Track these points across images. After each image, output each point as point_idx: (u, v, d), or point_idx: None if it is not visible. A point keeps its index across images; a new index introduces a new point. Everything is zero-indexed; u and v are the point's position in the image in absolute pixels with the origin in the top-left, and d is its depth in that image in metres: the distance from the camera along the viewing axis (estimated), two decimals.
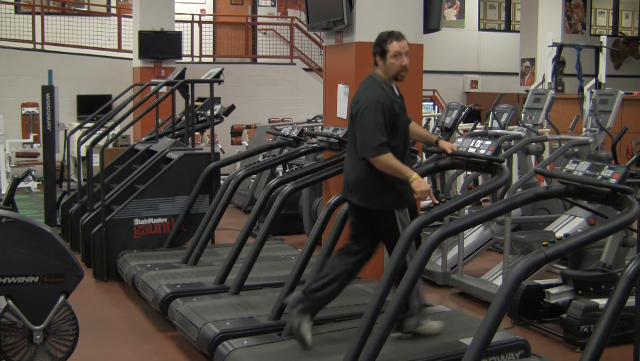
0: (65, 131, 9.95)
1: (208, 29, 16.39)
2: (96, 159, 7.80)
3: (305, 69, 16.18)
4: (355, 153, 4.23)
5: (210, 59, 15.88)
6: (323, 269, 4.34)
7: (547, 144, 8.68)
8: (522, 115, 7.70)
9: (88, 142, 7.41)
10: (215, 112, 8.06)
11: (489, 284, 5.97)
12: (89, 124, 9.26)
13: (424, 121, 10.09)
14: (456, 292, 6.27)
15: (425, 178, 4.33)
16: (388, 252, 4.36)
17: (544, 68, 10.59)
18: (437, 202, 4.03)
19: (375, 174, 4.16)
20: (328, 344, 4.27)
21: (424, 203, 6.36)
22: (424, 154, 5.37)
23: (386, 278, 3.79)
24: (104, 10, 15.95)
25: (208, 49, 16.16)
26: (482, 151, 4.26)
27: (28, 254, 3.70)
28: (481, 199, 7.10)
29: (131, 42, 13.96)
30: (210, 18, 16.86)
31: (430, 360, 4.03)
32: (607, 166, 3.55)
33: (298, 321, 4.15)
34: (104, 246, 6.50)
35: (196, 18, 15.70)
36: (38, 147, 11.54)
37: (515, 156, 7.84)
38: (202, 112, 8.63)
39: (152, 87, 8.13)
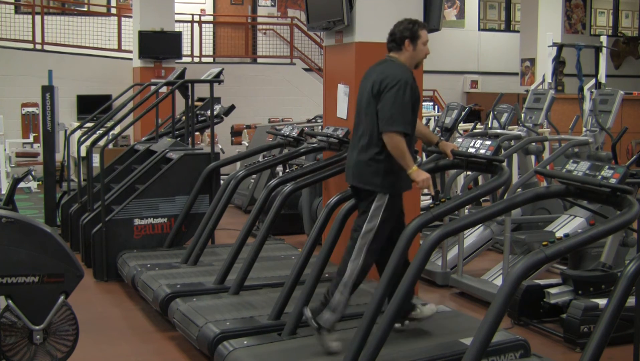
0: (65, 131, 9.93)
1: (208, 29, 16.38)
2: (96, 159, 7.79)
3: (305, 69, 16.17)
4: (363, 136, 4.19)
5: (210, 59, 15.87)
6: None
7: (547, 144, 8.68)
8: (522, 115, 7.69)
9: (88, 142, 7.41)
10: (215, 112, 8.06)
11: (489, 284, 5.97)
12: (89, 124, 9.25)
13: (423, 121, 10.08)
14: (456, 292, 6.27)
15: None
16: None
17: (544, 68, 10.59)
18: (433, 195, 4.01)
19: (376, 157, 4.15)
20: None
21: (423, 203, 6.37)
22: (424, 154, 5.36)
23: (386, 278, 3.79)
24: (104, 10, 15.95)
25: (208, 49, 16.16)
26: (482, 151, 4.26)
27: (28, 254, 3.69)
28: (481, 199, 7.10)
29: (131, 42, 13.96)
30: (210, 18, 16.85)
31: (430, 360, 4.03)
32: (607, 166, 3.54)
33: None
34: (104, 246, 6.50)
35: (196, 18, 15.70)
36: (38, 147, 11.53)
37: (515, 156, 7.84)
38: (202, 112, 8.62)
39: (152, 87, 8.13)
